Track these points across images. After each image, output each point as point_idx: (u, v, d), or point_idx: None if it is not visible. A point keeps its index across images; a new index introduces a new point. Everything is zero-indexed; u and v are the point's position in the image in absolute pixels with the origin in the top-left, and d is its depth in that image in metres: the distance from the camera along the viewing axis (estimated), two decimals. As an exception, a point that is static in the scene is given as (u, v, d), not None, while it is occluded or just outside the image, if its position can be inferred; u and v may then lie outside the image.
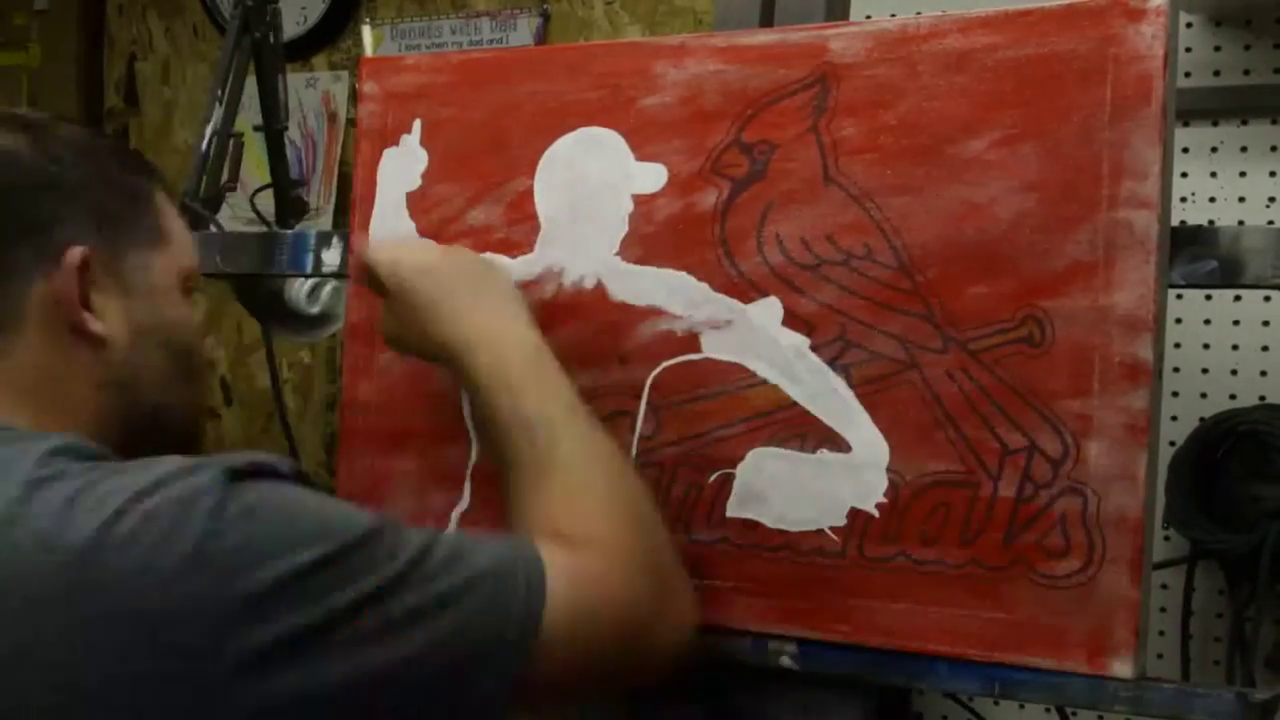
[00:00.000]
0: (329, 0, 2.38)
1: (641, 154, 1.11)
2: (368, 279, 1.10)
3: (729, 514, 1.06)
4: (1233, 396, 1.36)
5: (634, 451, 1.09)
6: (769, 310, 1.05)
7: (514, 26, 2.21)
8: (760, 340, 1.05)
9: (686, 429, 1.08)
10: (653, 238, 1.10)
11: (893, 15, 1.32)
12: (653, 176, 1.10)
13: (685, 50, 1.10)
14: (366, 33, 2.35)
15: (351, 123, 2.36)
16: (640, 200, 1.10)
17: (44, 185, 0.91)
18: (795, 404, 1.04)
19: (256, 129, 1.71)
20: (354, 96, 2.33)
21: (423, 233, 1.19)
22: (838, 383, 1.02)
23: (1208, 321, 1.38)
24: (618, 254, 1.11)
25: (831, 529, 1.02)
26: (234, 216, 1.95)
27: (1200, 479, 1.32)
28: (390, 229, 1.20)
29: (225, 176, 1.58)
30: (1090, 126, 0.95)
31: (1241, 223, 1.37)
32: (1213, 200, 1.38)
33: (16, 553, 0.76)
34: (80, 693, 0.73)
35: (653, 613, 0.93)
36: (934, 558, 0.99)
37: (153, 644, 0.74)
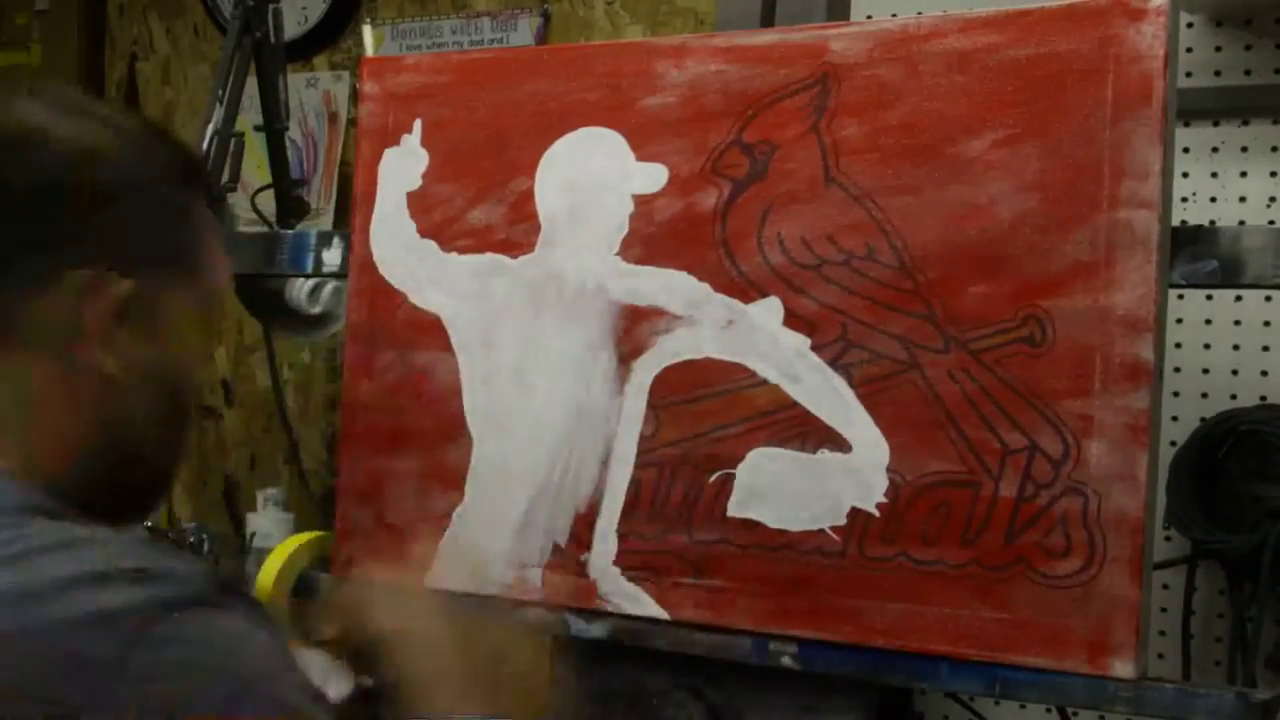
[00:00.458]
0: (329, 0, 2.38)
1: (642, 154, 1.11)
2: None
3: (730, 514, 1.06)
4: (1233, 396, 1.36)
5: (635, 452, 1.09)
6: (770, 310, 1.05)
7: (514, 27, 2.21)
8: (761, 340, 1.05)
9: (687, 429, 1.08)
10: (653, 238, 1.10)
11: (893, 15, 1.32)
12: (653, 176, 1.10)
13: (686, 50, 1.10)
14: (367, 33, 2.34)
15: (352, 123, 2.36)
16: (641, 200, 1.10)
17: (86, 190, 0.81)
18: (796, 404, 1.04)
19: (257, 129, 1.71)
20: (355, 96, 2.33)
21: (423, 233, 1.19)
22: (839, 383, 1.02)
23: (1208, 321, 1.38)
24: (618, 254, 1.11)
25: (832, 529, 1.02)
26: (234, 217, 1.95)
27: (1201, 479, 1.32)
28: (391, 229, 1.21)
29: (226, 176, 1.58)
30: (1091, 126, 0.95)
31: (1242, 223, 1.36)
32: (1213, 200, 1.38)
33: None
34: None
35: None
36: (935, 558, 0.99)
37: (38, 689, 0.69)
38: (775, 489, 1.04)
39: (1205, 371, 1.38)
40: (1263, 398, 1.35)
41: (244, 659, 0.73)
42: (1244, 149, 1.38)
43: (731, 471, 1.05)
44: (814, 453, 1.03)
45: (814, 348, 1.03)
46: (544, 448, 1.13)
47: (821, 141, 1.04)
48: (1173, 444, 1.33)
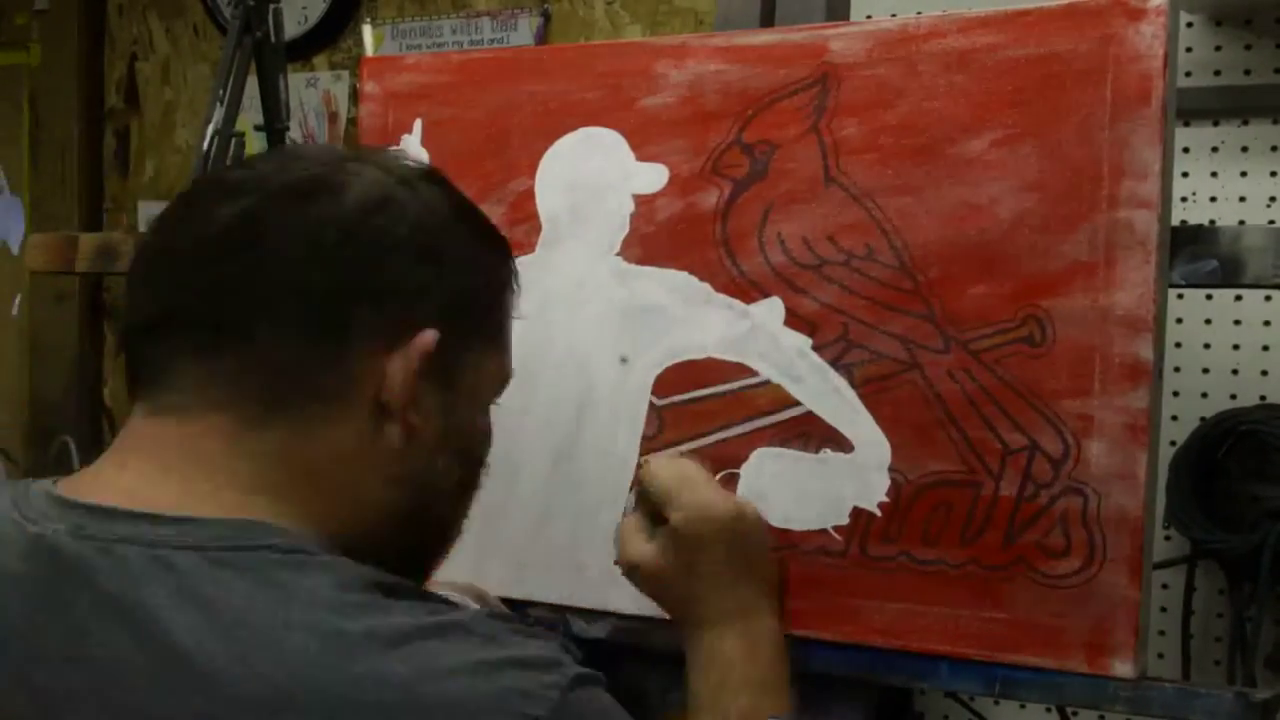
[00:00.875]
0: (329, 0, 2.38)
1: (642, 154, 1.11)
2: (641, 494, 1.03)
3: (730, 514, 1.06)
4: (1233, 396, 1.36)
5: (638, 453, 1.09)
6: (771, 310, 1.05)
7: (514, 26, 2.21)
8: (763, 340, 1.05)
9: (689, 429, 1.08)
10: (654, 238, 1.10)
11: (893, 15, 1.32)
12: (653, 176, 1.10)
13: (686, 50, 1.10)
14: (367, 32, 2.34)
15: (352, 122, 2.36)
16: (641, 200, 1.10)
17: (412, 248, 0.80)
18: (797, 404, 1.04)
19: (258, 129, 1.71)
20: (355, 96, 2.33)
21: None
22: (840, 383, 1.02)
23: (1208, 321, 1.38)
24: (619, 254, 1.11)
25: (834, 528, 1.02)
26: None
27: (1200, 479, 1.32)
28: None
29: (226, 176, 1.57)
30: (1090, 126, 0.95)
31: (1242, 222, 1.36)
32: (1213, 200, 1.38)
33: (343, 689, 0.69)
34: None
35: None
36: (935, 557, 0.99)
37: None
38: (777, 489, 1.04)
39: (1205, 371, 1.38)
40: (1262, 397, 1.35)
41: None
42: (1244, 149, 1.38)
43: (734, 471, 1.05)
44: (816, 453, 1.03)
45: (815, 348, 1.03)
46: (545, 447, 1.13)
47: (821, 141, 1.04)
48: (1173, 444, 1.33)
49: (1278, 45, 1.36)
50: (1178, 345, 1.36)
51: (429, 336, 0.79)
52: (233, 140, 1.57)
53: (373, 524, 0.81)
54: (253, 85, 1.64)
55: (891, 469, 1.00)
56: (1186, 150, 1.38)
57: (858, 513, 1.02)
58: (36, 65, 2.74)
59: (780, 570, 1.03)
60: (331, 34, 2.42)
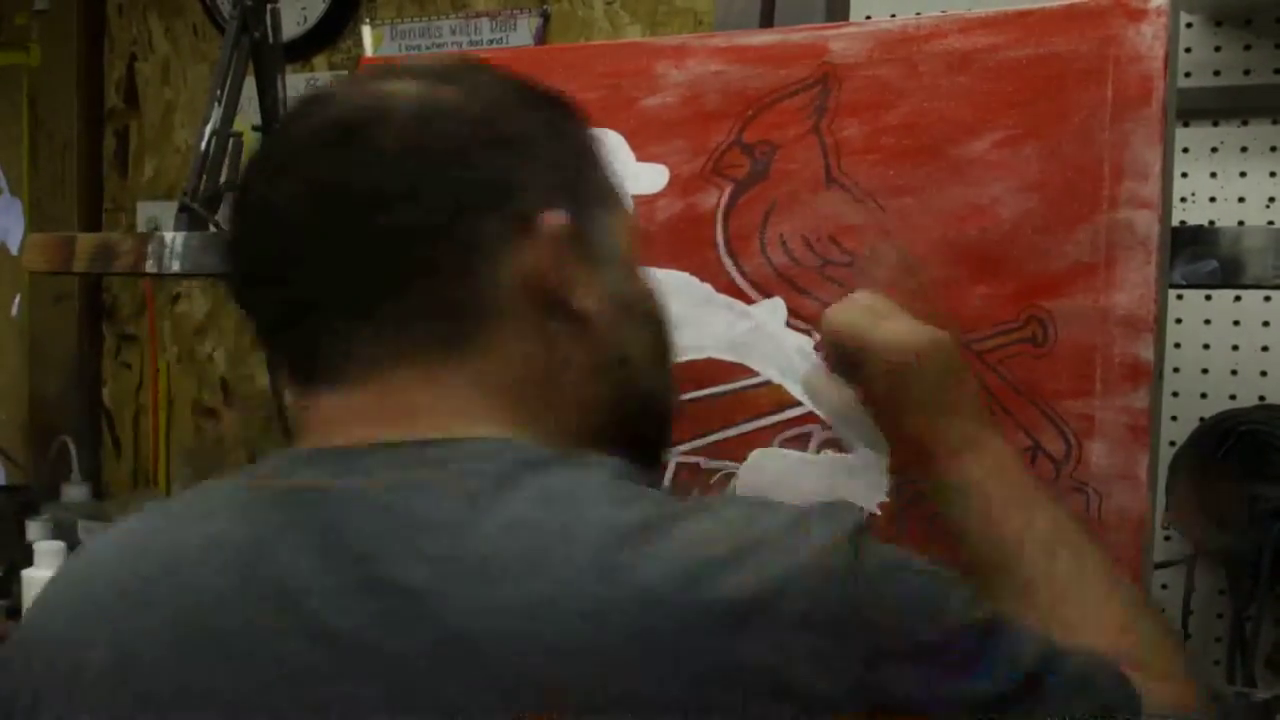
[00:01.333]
0: (329, 0, 2.38)
1: (642, 154, 1.11)
2: (831, 347, 0.97)
3: (730, 514, 1.06)
4: (1232, 397, 1.36)
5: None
6: (773, 311, 1.05)
7: (514, 27, 2.21)
8: (764, 340, 1.05)
9: (689, 429, 1.08)
10: (654, 239, 1.10)
11: (892, 16, 1.32)
12: (654, 177, 1.10)
13: (686, 50, 1.10)
14: (366, 33, 2.34)
15: (351, 123, 2.36)
16: (641, 201, 1.10)
17: (498, 141, 0.76)
18: (798, 404, 1.04)
19: (255, 129, 1.71)
20: (354, 96, 2.33)
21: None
22: (841, 383, 1.02)
23: (1208, 321, 1.38)
24: (619, 254, 1.11)
25: (833, 529, 1.02)
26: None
27: (1200, 479, 1.32)
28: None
29: (225, 176, 1.58)
30: (1091, 127, 0.95)
31: (1241, 223, 1.37)
32: (1213, 200, 1.38)
33: (634, 605, 0.63)
34: None
35: None
36: (936, 558, 0.99)
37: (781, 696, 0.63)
38: (778, 489, 1.04)
39: (1204, 371, 1.38)
40: (1262, 398, 1.35)
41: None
42: (1243, 149, 1.38)
43: (734, 471, 1.05)
44: (816, 453, 1.03)
45: (816, 348, 1.03)
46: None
47: (822, 142, 1.04)
48: (1172, 444, 1.33)
49: (1277, 45, 1.36)
50: (1177, 346, 1.37)
51: (555, 216, 0.75)
52: (230, 140, 1.57)
53: (594, 424, 0.78)
54: (251, 85, 1.64)
55: (892, 470, 1.00)
56: (1186, 151, 1.38)
57: (858, 513, 1.01)
58: (36, 65, 2.74)
59: None
60: (331, 34, 2.42)
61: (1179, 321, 1.36)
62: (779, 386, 1.04)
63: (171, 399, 2.62)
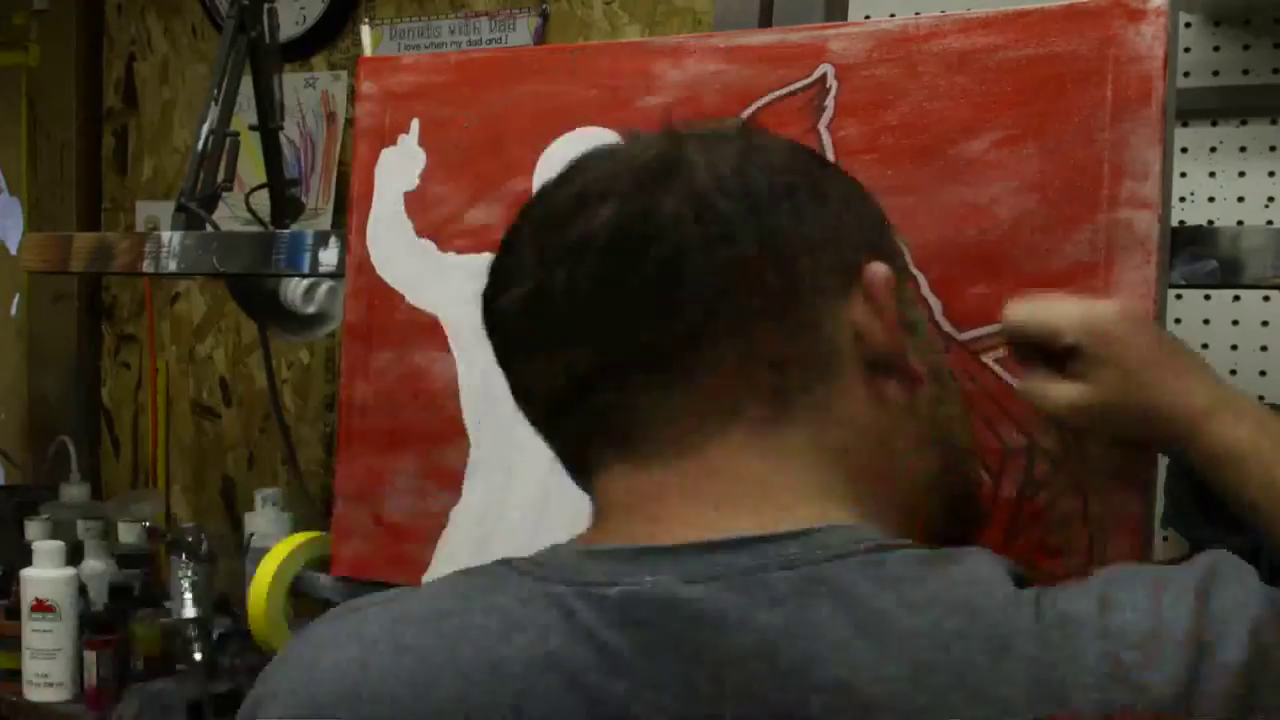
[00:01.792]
0: (327, 0, 2.38)
1: (641, 154, 1.11)
2: (1016, 349, 0.91)
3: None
4: (1232, 396, 1.36)
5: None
6: (769, 311, 1.04)
7: (513, 26, 2.21)
8: (760, 340, 1.05)
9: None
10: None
11: (891, 15, 1.31)
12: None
13: (685, 50, 1.10)
14: (365, 32, 2.34)
15: (350, 123, 2.36)
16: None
17: (816, 189, 0.71)
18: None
19: (253, 128, 1.71)
20: (352, 96, 2.33)
21: (420, 233, 1.19)
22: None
23: (1207, 321, 1.38)
24: (617, 254, 1.11)
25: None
26: (231, 216, 1.95)
27: (1200, 479, 1.31)
28: (388, 229, 1.20)
29: (222, 176, 1.58)
30: (1090, 127, 0.95)
31: (1240, 223, 1.36)
32: (1212, 200, 1.38)
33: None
34: None
35: None
36: (934, 558, 0.99)
37: None
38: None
39: (1204, 371, 1.37)
40: (1261, 397, 1.35)
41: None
42: (1242, 149, 1.38)
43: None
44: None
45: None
46: (544, 446, 1.13)
47: (821, 142, 1.04)
48: (1172, 444, 1.33)
49: (1276, 45, 1.36)
50: (1176, 346, 1.36)
51: (879, 269, 0.69)
52: (228, 139, 1.57)
53: (919, 498, 0.72)
54: (248, 85, 1.64)
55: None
56: (1185, 150, 1.38)
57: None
58: (35, 65, 2.74)
59: None
60: (330, 34, 2.42)
61: (1178, 321, 1.36)
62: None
63: (170, 399, 2.62)
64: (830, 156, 1.03)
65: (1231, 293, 1.35)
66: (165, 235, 1.37)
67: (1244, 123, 1.38)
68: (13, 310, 2.80)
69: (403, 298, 1.20)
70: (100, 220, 2.70)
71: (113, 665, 2.00)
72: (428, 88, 1.21)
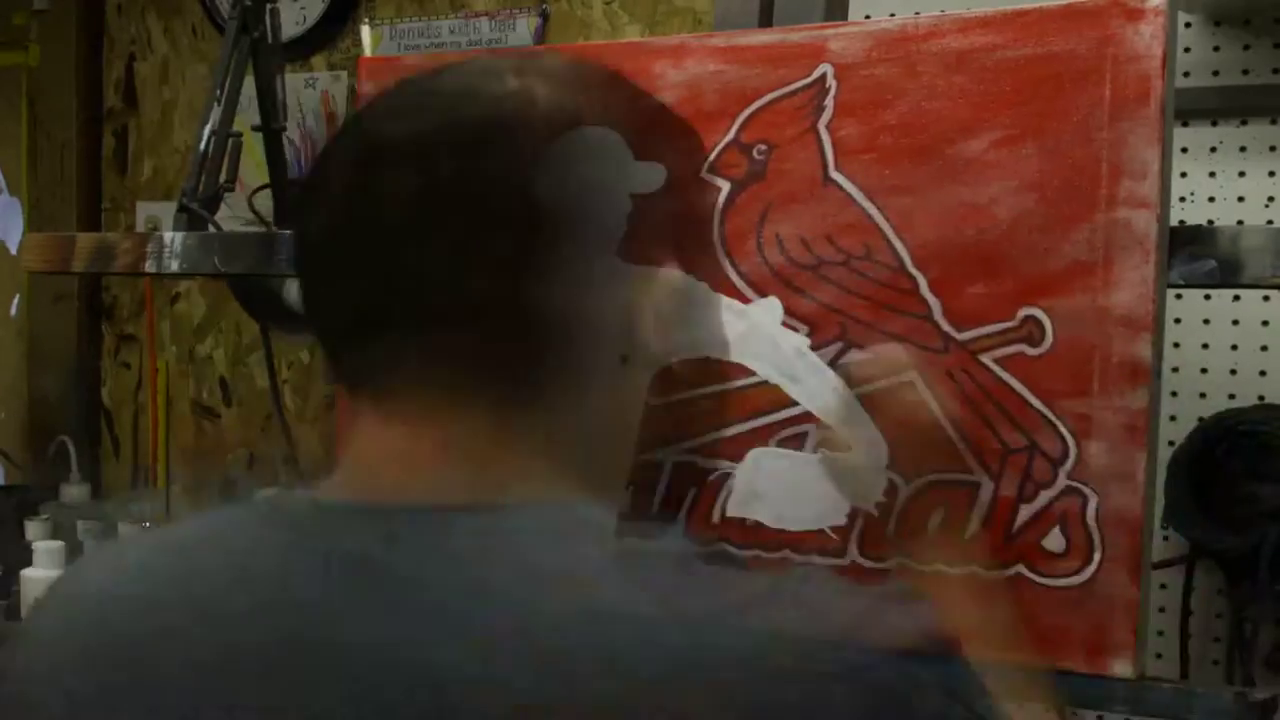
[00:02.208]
0: (328, 0, 2.38)
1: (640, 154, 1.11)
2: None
3: (729, 513, 1.06)
4: (1231, 396, 1.36)
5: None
6: (769, 310, 1.05)
7: (513, 27, 2.21)
8: (760, 340, 1.05)
9: (686, 429, 1.07)
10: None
11: (891, 15, 1.32)
12: (652, 176, 1.10)
13: (684, 50, 1.10)
14: (365, 33, 2.34)
15: (350, 123, 2.36)
16: (639, 200, 1.10)
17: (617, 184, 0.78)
18: (795, 404, 1.04)
19: (255, 129, 1.71)
20: (353, 96, 2.33)
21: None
22: (837, 383, 1.02)
23: (1206, 321, 1.38)
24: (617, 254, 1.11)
25: (832, 529, 1.02)
26: (233, 216, 1.95)
27: (1200, 479, 1.32)
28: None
29: (224, 176, 1.58)
30: (1089, 126, 0.95)
31: (1240, 222, 1.36)
32: (1211, 200, 1.38)
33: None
34: None
35: None
36: (933, 558, 0.99)
37: None
38: (774, 489, 1.04)
39: (1203, 371, 1.38)
40: (1261, 397, 1.35)
41: None
42: (1242, 149, 1.38)
43: (730, 471, 1.05)
44: (814, 452, 1.03)
45: (813, 347, 1.03)
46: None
47: (820, 141, 1.04)
48: (1171, 444, 1.33)
49: (1276, 45, 1.36)
50: (1176, 345, 1.36)
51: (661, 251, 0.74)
52: (230, 140, 1.57)
53: (611, 473, 0.77)
54: (250, 85, 1.64)
55: (889, 469, 1.00)
56: (1185, 150, 1.38)
57: (855, 513, 1.01)
58: (35, 65, 2.74)
59: None
60: (330, 34, 2.42)
61: (1178, 321, 1.36)
62: (776, 386, 1.04)
63: (171, 399, 2.62)
64: (830, 156, 1.04)
65: (1231, 292, 1.35)
66: (167, 235, 1.37)
67: (1244, 123, 1.38)
68: (13, 310, 2.80)
69: (403, 297, 1.19)
70: (100, 220, 2.70)
71: (113, 665, 1.99)
72: (428, 88, 1.21)
